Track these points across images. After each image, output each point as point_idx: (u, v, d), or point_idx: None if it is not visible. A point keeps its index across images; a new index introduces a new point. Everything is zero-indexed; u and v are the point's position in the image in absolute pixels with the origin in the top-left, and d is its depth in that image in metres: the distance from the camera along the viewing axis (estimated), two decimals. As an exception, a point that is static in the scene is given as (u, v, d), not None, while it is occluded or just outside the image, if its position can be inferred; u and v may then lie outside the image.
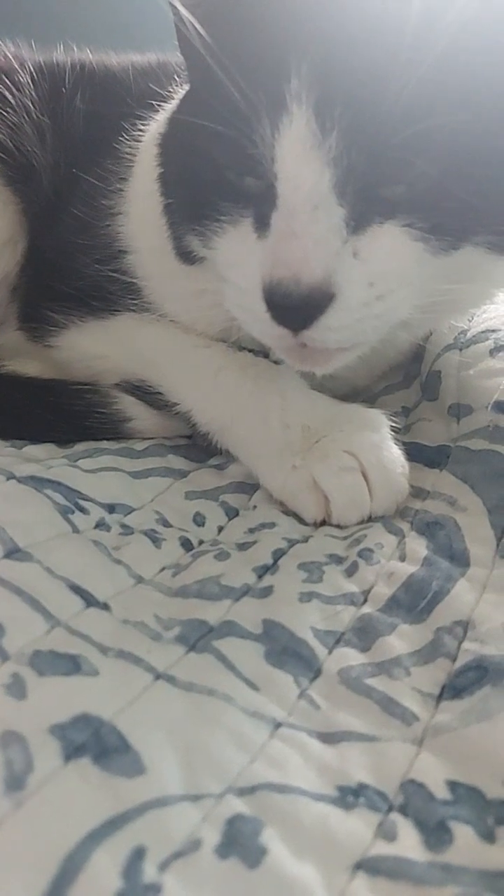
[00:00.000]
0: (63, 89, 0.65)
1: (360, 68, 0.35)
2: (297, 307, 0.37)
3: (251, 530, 0.45)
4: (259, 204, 0.39)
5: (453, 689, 0.31)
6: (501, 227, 0.40)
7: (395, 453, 0.46)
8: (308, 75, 0.35)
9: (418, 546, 0.41)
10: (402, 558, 0.40)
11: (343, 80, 0.35)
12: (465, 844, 0.25)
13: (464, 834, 0.25)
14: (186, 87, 0.49)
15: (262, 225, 0.39)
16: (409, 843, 0.25)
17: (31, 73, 0.65)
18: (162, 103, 0.56)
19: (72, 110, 0.65)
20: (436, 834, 0.25)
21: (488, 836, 0.25)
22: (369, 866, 0.24)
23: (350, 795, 0.27)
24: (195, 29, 0.36)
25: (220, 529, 0.46)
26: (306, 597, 0.37)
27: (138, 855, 0.23)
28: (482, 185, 0.38)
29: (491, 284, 0.47)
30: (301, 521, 0.46)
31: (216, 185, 0.41)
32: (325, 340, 0.39)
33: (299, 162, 0.36)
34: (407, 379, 0.61)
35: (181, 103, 0.49)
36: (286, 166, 0.37)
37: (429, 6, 0.33)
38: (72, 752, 0.26)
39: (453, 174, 0.37)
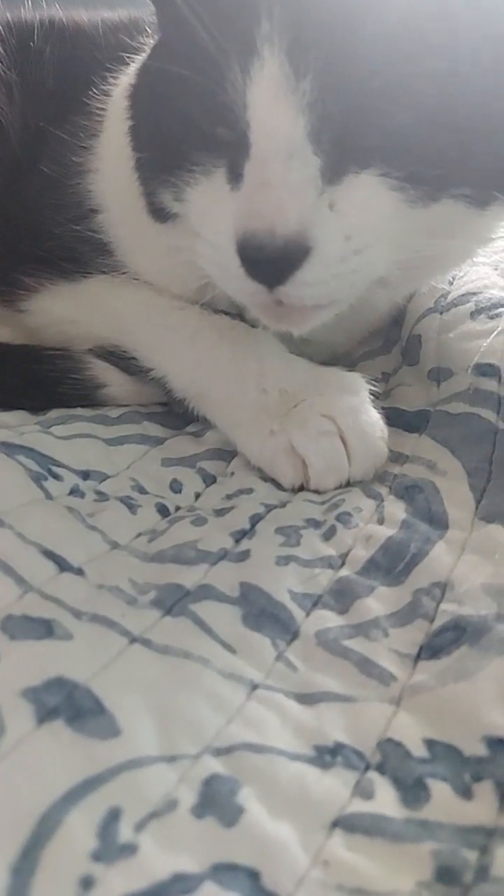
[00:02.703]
0: (31, 45, 0.63)
1: (335, 10, 0.33)
2: (271, 260, 0.36)
3: (228, 496, 0.44)
4: (232, 154, 0.38)
5: (431, 650, 0.31)
6: (480, 180, 0.39)
7: (374, 417, 0.46)
8: (280, 17, 0.34)
9: (397, 509, 0.41)
10: (381, 522, 0.40)
11: (317, 22, 0.33)
12: (442, 801, 0.25)
13: (441, 791, 0.25)
14: (157, 38, 0.47)
15: (235, 175, 0.38)
16: (386, 801, 0.25)
17: None
18: (132, 56, 0.54)
19: (41, 66, 0.62)
20: (413, 791, 0.25)
21: (465, 793, 0.25)
22: (346, 824, 0.24)
23: (327, 755, 0.27)
24: None
25: (198, 496, 0.46)
26: (284, 560, 0.37)
27: (114, 816, 0.23)
28: (460, 136, 0.36)
29: (471, 241, 0.46)
30: (279, 486, 0.45)
31: (188, 135, 0.39)
32: (301, 297, 0.38)
33: (272, 108, 0.35)
34: (387, 345, 0.61)
35: (151, 52, 0.47)
36: (258, 113, 0.35)
37: None
38: (45, 715, 0.25)
39: (431, 123, 0.36)
